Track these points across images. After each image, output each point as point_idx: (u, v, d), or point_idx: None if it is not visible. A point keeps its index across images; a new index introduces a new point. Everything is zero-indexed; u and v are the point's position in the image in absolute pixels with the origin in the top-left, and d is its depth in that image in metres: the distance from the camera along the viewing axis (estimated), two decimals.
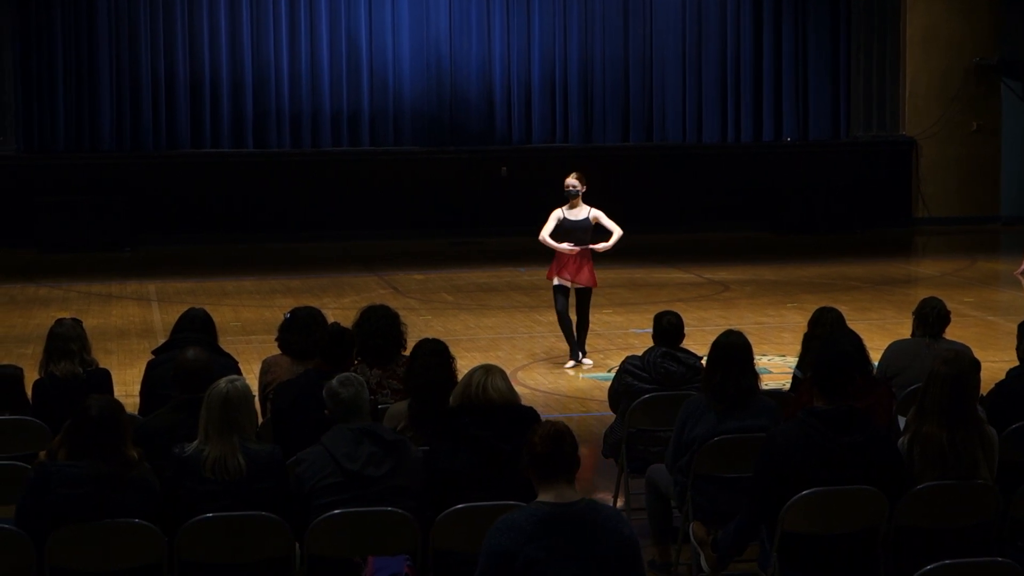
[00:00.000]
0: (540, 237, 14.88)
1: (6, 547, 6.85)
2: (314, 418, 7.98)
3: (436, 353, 8.36)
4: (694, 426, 8.48)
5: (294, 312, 9.73)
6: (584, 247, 14.66)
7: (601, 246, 14.77)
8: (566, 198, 14.80)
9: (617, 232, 14.86)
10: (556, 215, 14.82)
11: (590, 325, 15.01)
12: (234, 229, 25.62)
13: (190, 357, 8.13)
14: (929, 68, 27.32)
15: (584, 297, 14.76)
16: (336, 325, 9.09)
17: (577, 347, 14.92)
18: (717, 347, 8.62)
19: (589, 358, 15.04)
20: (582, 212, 14.79)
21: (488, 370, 7.58)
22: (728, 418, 8.46)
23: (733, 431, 8.39)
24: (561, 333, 14.95)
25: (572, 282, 14.64)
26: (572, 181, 14.86)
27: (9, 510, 7.34)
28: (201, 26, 26.29)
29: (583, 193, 14.83)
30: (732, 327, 9.25)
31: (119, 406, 7.09)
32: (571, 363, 14.90)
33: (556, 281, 14.68)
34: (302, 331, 9.43)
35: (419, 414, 8.08)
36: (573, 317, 14.80)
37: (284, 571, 6.93)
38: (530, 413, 7.53)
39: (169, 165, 26.03)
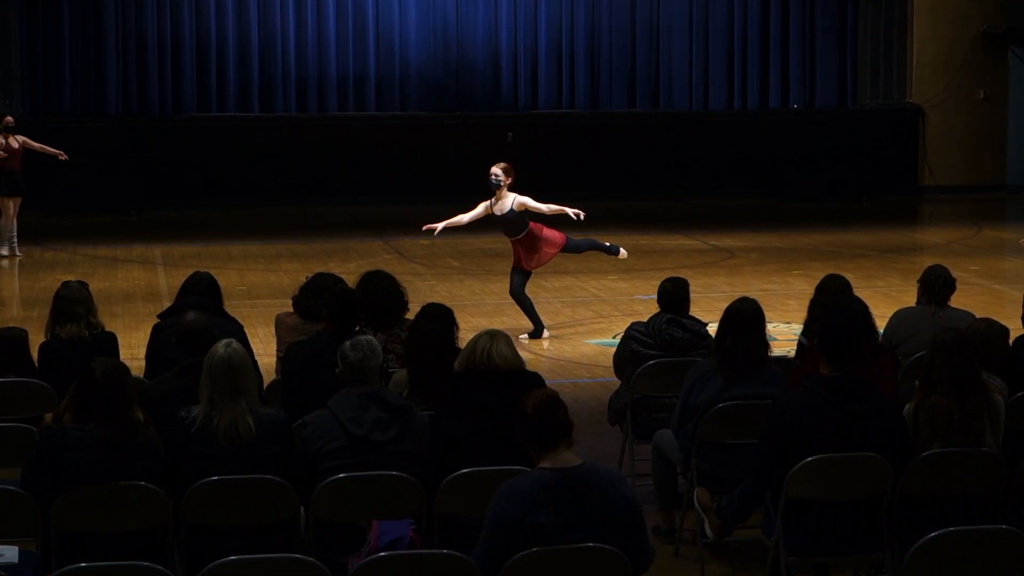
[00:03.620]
0: (459, 219, 14.73)
1: (13, 509, 6.88)
2: (325, 380, 8.00)
3: (435, 318, 8.34)
4: (700, 390, 8.49)
5: (317, 275, 9.78)
6: (526, 231, 14.39)
7: (572, 212, 14.65)
8: (490, 189, 14.46)
9: (550, 206, 14.61)
10: (484, 205, 14.60)
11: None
12: (240, 193, 25.64)
13: (194, 321, 8.16)
14: (936, 36, 27.28)
15: (520, 276, 14.66)
16: (343, 287, 9.10)
17: (541, 323, 14.76)
18: (729, 313, 8.63)
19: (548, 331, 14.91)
20: (507, 203, 14.42)
21: (493, 336, 7.58)
22: (736, 384, 8.47)
23: (740, 397, 8.40)
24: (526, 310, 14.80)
25: (533, 266, 14.56)
26: (496, 171, 14.45)
27: (15, 473, 7.37)
28: None
29: (508, 185, 14.41)
30: (737, 294, 9.25)
31: (124, 369, 7.10)
32: (526, 337, 14.60)
33: (523, 267, 14.57)
34: (316, 295, 9.45)
35: (416, 377, 8.09)
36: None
37: (289, 534, 6.95)
38: (535, 379, 7.53)
39: (175, 129, 26.05)
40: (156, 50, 26.25)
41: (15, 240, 19.99)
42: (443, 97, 26.92)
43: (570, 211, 14.69)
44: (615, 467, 9.18)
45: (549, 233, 14.53)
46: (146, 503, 6.82)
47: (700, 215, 24.71)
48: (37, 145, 20.16)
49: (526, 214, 14.43)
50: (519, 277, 14.54)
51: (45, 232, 22.27)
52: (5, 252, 19.77)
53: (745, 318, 8.57)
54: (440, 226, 14.84)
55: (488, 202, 14.60)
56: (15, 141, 19.72)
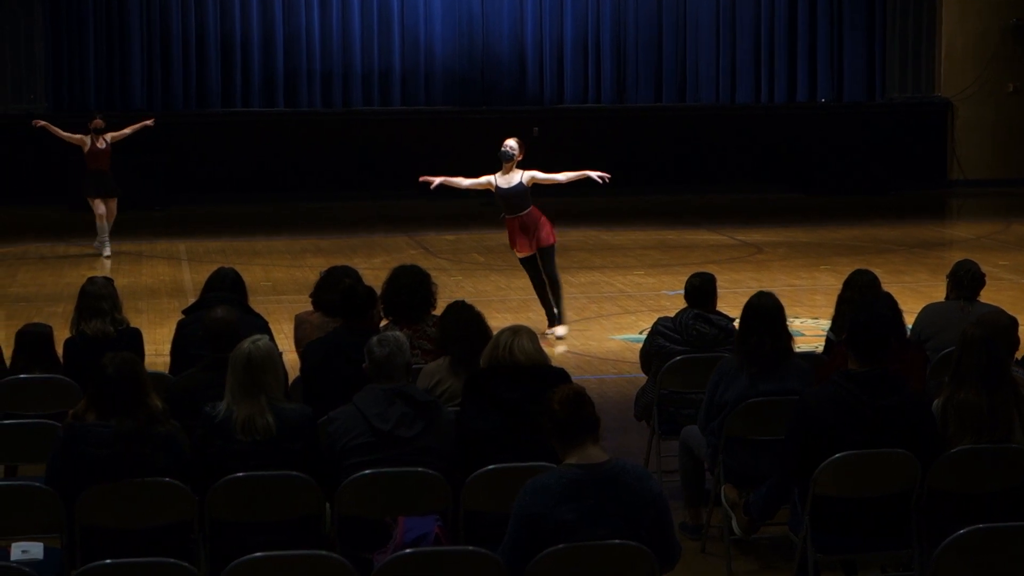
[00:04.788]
0: (459, 180, 14.63)
1: (38, 505, 6.91)
2: (343, 375, 8.02)
3: (468, 309, 8.39)
4: (727, 388, 8.49)
5: (330, 270, 9.77)
6: (529, 210, 14.24)
7: (596, 174, 14.52)
8: (500, 160, 14.30)
9: (567, 174, 14.61)
10: (489, 179, 14.42)
11: (562, 284, 14.65)
12: (265, 189, 25.69)
13: (217, 316, 8.18)
14: (965, 28, 27.23)
15: (547, 257, 14.36)
16: (347, 282, 9.08)
17: (553, 315, 14.52)
18: (749, 309, 8.63)
19: (565, 326, 14.60)
20: (515, 178, 14.29)
21: (516, 331, 7.58)
22: (761, 380, 8.46)
23: (767, 393, 8.39)
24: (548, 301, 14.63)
25: (532, 248, 14.27)
26: (511, 143, 14.34)
27: (40, 468, 7.39)
28: None
29: (519, 160, 14.30)
30: (764, 289, 9.24)
31: (135, 360, 7.13)
32: (547, 331, 14.37)
33: (518, 255, 14.41)
34: (334, 289, 9.45)
35: (458, 356, 8.15)
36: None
37: (315, 530, 6.97)
38: (560, 374, 7.53)
39: (200, 124, 26.10)
40: (181, 44, 26.32)
41: (107, 243, 19.95)
42: (468, 91, 26.94)
43: (593, 174, 14.56)
44: (642, 463, 9.17)
45: (547, 222, 14.36)
46: (170, 498, 6.84)
47: (727, 210, 24.69)
48: (127, 130, 20.15)
49: (529, 193, 14.31)
50: (532, 269, 14.37)
51: (69, 228, 22.33)
52: (107, 252, 19.78)
53: (765, 313, 8.57)
54: (438, 180, 14.73)
55: (494, 176, 14.41)
56: (102, 142, 19.76)
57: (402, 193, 25.69)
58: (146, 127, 20.41)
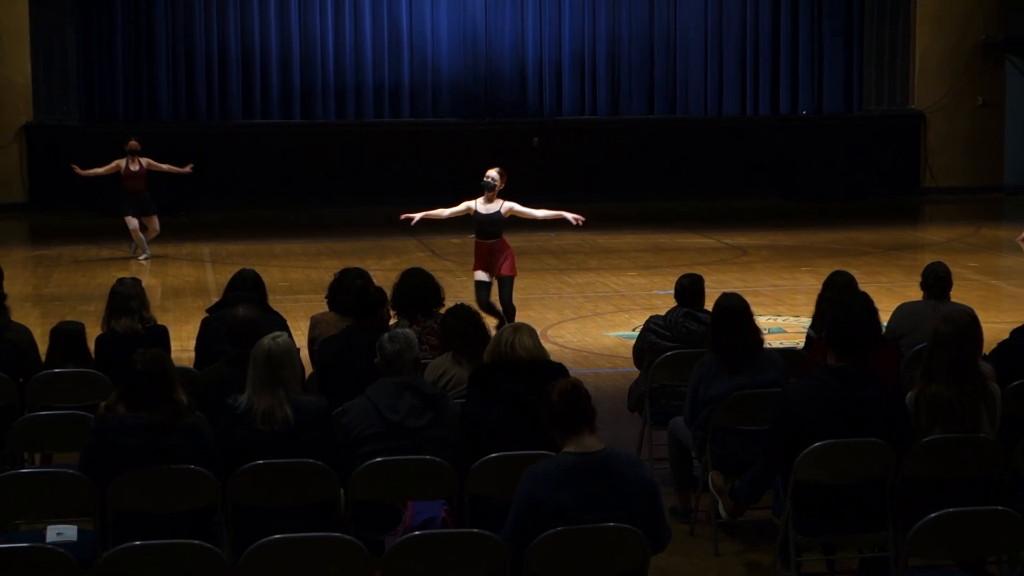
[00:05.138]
0: (439, 212, 14.44)
1: (73, 491, 6.93)
2: (355, 371, 8.04)
3: (467, 310, 8.42)
4: (708, 386, 8.52)
5: (343, 272, 9.77)
6: (499, 239, 13.91)
7: (571, 216, 14.14)
8: (482, 189, 13.97)
9: (545, 212, 14.20)
10: (468, 204, 14.10)
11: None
12: (283, 195, 25.70)
13: (240, 314, 8.19)
14: (938, 45, 27.22)
15: (506, 288, 13.86)
16: (358, 283, 9.10)
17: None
18: (718, 310, 8.68)
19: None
20: (495, 206, 13.95)
21: (516, 328, 7.61)
22: (738, 375, 8.50)
23: (744, 387, 8.42)
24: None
25: (490, 275, 13.90)
26: (492, 174, 14.00)
27: (74, 457, 7.41)
28: (252, 2, 26.35)
29: (500, 190, 13.98)
30: (750, 290, 9.26)
31: (163, 356, 7.14)
32: None
33: (476, 276, 13.97)
34: (347, 290, 9.46)
35: (457, 351, 8.18)
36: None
37: (330, 514, 6.97)
38: (559, 368, 7.55)
39: (222, 135, 26.11)
40: (204, 60, 26.34)
41: (146, 249, 19.96)
42: (473, 104, 26.94)
43: (569, 216, 14.23)
44: (634, 451, 9.19)
45: (512, 255, 13.98)
46: (195, 484, 6.85)
47: (714, 215, 24.69)
48: (164, 167, 20.10)
49: (505, 223, 13.99)
50: (483, 293, 13.86)
51: (101, 232, 22.35)
52: (146, 256, 19.80)
53: (733, 312, 8.62)
54: (418, 216, 14.61)
55: (474, 201, 14.10)
56: (136, 163, 19.77)
57: (411, 199, 25.66)
58: (181, 172, 20.30)
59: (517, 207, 14.04)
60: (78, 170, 20.03)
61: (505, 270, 13.84)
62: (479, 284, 13.86)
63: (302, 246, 21.44)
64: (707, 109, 27.64)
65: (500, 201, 14.02)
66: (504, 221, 14.00)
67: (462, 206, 14.18)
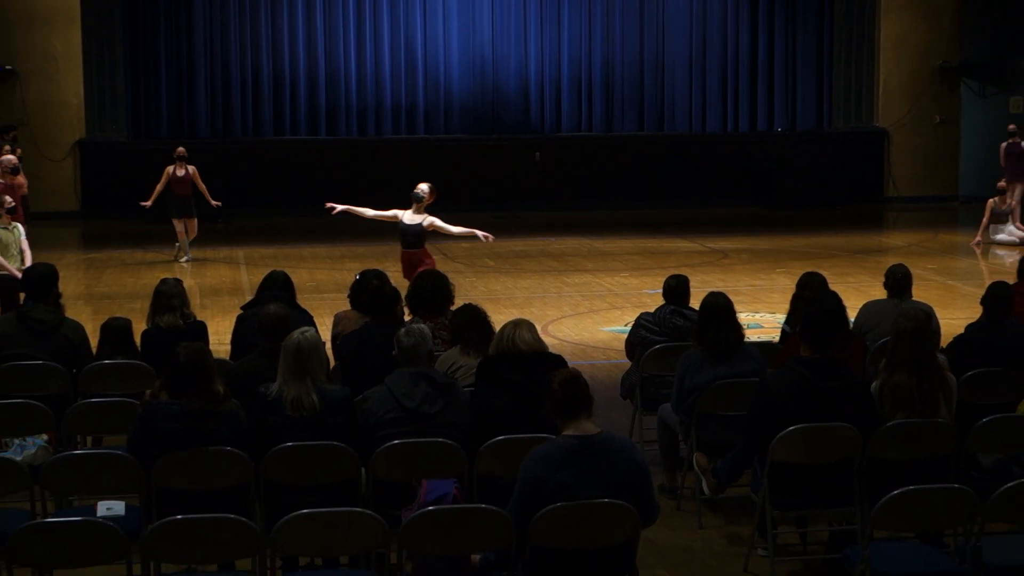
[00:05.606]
0: (364, 210, 14.29)
1: (120, 470, 6.94)
2: (374, 363, 8.04)
3: (472, 314, 8.42)
4: (693, 376, 8.54)
5: (363, 274, 9.76)
6: (420, 249, 13.78)
7: (481, 234, 13.96)
8: (411, 201, 13.89)
9: (459, 228, 13.97)
10: (396, 212, 13.96)
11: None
12: (310, 204, 25.50)
13: (271, 311, 8.19)
14: (900, 69, 27.21)
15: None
16: (375, 284, 9.08)
17: None
18: (705, 307, 8.69)
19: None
20: (419, 218, 13.87)
21: (517, 324, 7.61)
22: (720, 365, 8.52)
23: (726, 376, 8.43)
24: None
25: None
26: (423, 187, 13.91)
27: (122, 439, 7.41)
28: (282, 31, 26.35)
29: (429, 204, 13.88)
30: (731, 290, 9.26)
31: (204, 350, 7.15)
32: None
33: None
34: (366, 290, 9.45)
35: (466, 345, 8.17)
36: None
37: (352, 491, 6.97)
38: (558, 360, 7.54)
39: (255, 150, 26.12)
40: (239, 82, 26.34)
41: (187, 252, 19.97)
42: (481, 122, 26.93)
43: (480, 233, 14.01)
44: (627, 435, 9.19)
45: (432, 264, 13.71)
46: (231, 465, 6.85)
47: (698, 221, 24.67)
48: (201, 185, 20.07)
49: (427, 234, 13.85)
50: None
51: (146, 237, 22.36)
52: (186, 259, 19.82)
53: (719, 309, 8.63)
54: (340, 208, 14.49)
55: (402, 211, 13.95)
56: (181, 169, 19.79)
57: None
58: (211, 203, 20.20)
59: (437, 222, 13.84)
60: (146, 204, 19.90)
61: (408, 275, 13.55)
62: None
63: (327, 250, 21.44)
64: (692, 126, 27.63)
65: (425, 215, 13.88)
66: (425, 233, 13.84)
67: (390, 212, 14.11)
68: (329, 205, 14.52)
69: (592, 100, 27.34)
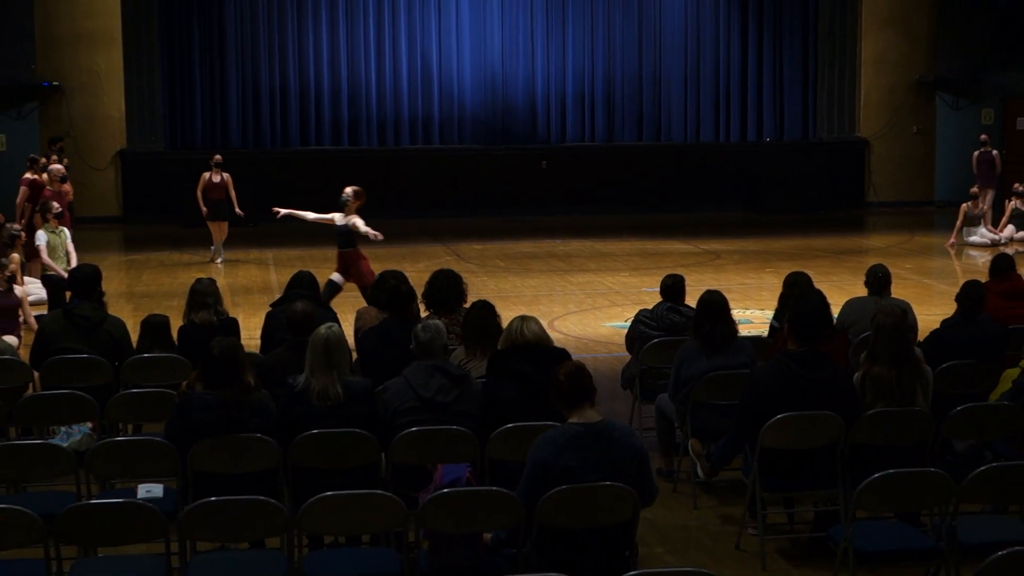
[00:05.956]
0: (305, 214, 14.32)
1: (158, 456, 6.95)
2: (392, 356, 8.04)
3: (483, 308, 8.39)
4: (689, 367, 8.53)
5: (382, 274, 9.75)
6: (351, 249, 13.69)
7: (372, 235, 13.81)
8: (340, 205, 13.85)
9: (366, 229, 13.74)
10: (332, 215, 13.91)
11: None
12: (333, 208, 25.64)
13: (298, 309, 8.19)
14: (879, 83, 27.18)
15: (364, 293, 13.18)
16: (392, 283, 9.07)
17: None
18: (702, 304, 8.68)
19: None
20: (346, 221, 13.86)
21: (524, 319, 7.62)
22: (715, 358, 8.50)
23: (719, 368, 8.42)
24: None
25: (344, 280, 13.70)
26: (348, 192, 13.89)
27: (160, 427, 7.42)
28: (308, 49, 26.37)
29: (358, 207, 13.84)
30: (723, 288, 9.25)
31: (236, 344, 7.15)
32: None
33: (331, 277, 13.72)
34: (384, 289, 9.43)
35: (472, 344, 8.13)
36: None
37: (373, 475, 6.97)
38: (563, 353, 7.54)
39: (284, 159, 26.13)
40: (268, 95, 26.35)
41: (221, 254, 19.99)
42: (491, 133, 26.92)
43: (372, 232, 13.83)
44: (627, 422, 9.19)
45: (365, 266, 13.73)
46: (261, 451, 6.86)
47: (693, 225, 24.65)
48: (232, 193, 20.07)
49: (356, 235, 13.80)
50: (329, 292, 13.38)
51: (182, 240, 22.39)
52: (220, 260, 19.85)
53: (715, 305, 8.63)
54: (283, 212, 14.53)
55: (337, 214, 13.91)
56: (216, 176, 19.82)
57: (440, 212, 25.74)
58: (237, 211, 20.16)
59: (358, 223, 13.79)
60: (204, 208, 19.86)
61: (358, 279, 13.58)
62: (329, 283, 13.55)
63: None
64: (687, 136, 27.60)
65: (351, 217, 13.85)
66: (352, 233, 13.80)
67: (327, 216, 14.15)
68: (275, 210, 14.55)
69: (595, 112, 27.32)
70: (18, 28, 24.28)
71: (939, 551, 6.43)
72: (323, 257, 20.52)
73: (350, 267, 13.75)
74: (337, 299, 13.72)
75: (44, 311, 13.79)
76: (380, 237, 13.89)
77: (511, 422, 7.04)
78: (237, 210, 20.10)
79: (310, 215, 14.30)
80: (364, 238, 13.78)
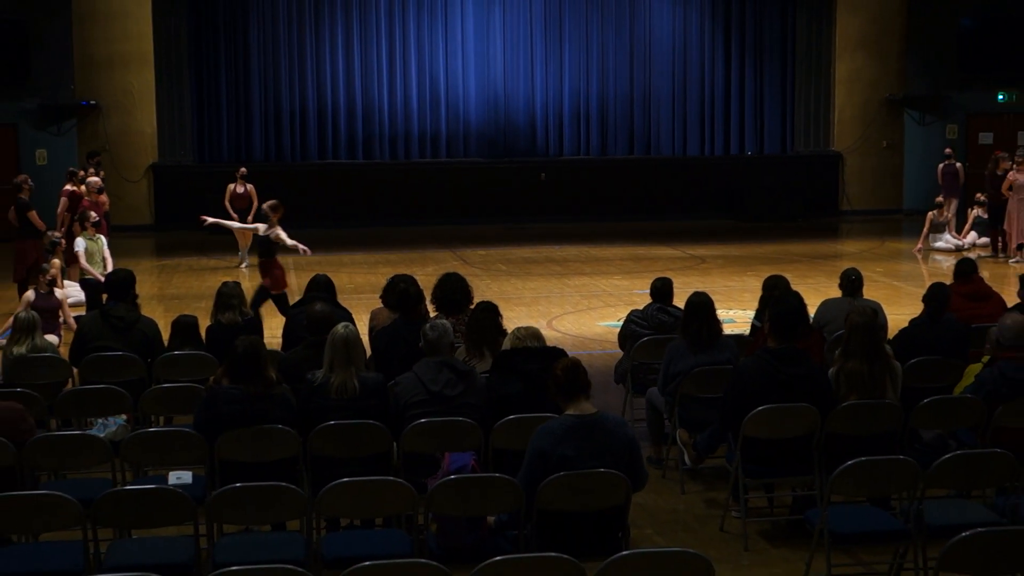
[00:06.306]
0: (231, 223, 14.42)
1: (188, 445, 6.95)
2: (403, 353, 8.04)
3: (487, 308, 8.38)
4: (677, 363, 8.53)
5: (393, 278, 9.76)
6: (269, 259, 13.68)
7: (302, 248, 14.12)
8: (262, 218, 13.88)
9: (290, 241, 14.03)
10: (256, 225, 14.03)
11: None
12: (350, 217, 25.72)
13: (317, 309, 8.20)
14: (852, 101, 27.17)
15: (281, 303, 13.41)
16: (401, 287, 9.06)
17: None
18: (689, 305, 8.69)
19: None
20: (267, 231, 14.06)
21: (527, 328, 7.68)
22: (701, 354, 8.51)
23: (706, 364, 8.42)
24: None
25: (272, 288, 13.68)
26: (265, 206, 14.02)
27: (189, 419, 7.42)
28: (325, 70, 26.37)
29: (278, 219, 13.97)
30: (708, 290, 9.25)
31: (259, 342, 7.16)
32: None
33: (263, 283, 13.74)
34: (395, 291, 9.42)
35: (473, 344, 8.12)
36: None
37: (386, 463, 6.98)
38: (559, 352, 7.54)
39: (303, 172, 26.12)
40: (288, 113, 26.35)
41: (245, 259, 20.00)
42: (494, 147, 26.92)
43: (300, 247, 14.00)
44: (619, 414, 9.19)
45: (279, 275, 13.69)
46: (282, 440, 6.86)
47: (681, 231, 24.64)
48: (257, 202, 19.92)
49: (275, 245, 13.88)
50: (258, 299, 13.28)
51: (209, 246, 22.38)
52: (245, 264, 19.86)
53: (701, 306, 8.64)
54: (211, 220, 14.57)
55: (261, 225, 13.94)
56: (241, 187, 19.81)
57: (447, 220, 25.74)
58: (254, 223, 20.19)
59: (281, 234, 13.95)
60: (234, 219, 19.84)
61: (271, 287, 13.56)
62: (260, 288, 13.64)
63: (363, 256, 21.45)
64: (674, 150, 27.58)
65: (273, 229, 13.97)
66: (270, 243, 13.91)
67: (251, 225, 14.33)
68: (202, 218, 14.56)
69: (589, 128, 27.31)
70: (58, 52, 24.34)
71: (907, 532, 6.43)
72: (338, 262, 20.55)
73: (266, 274, 13.78)
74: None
75: (82, 312, 13.80)
76: (308, 252, 14.00)
77: (512, 414, 7.04)
78: (250, 221, 20.06)
79: (236, 224, 14.38)
80: (286, 248, 13.90)
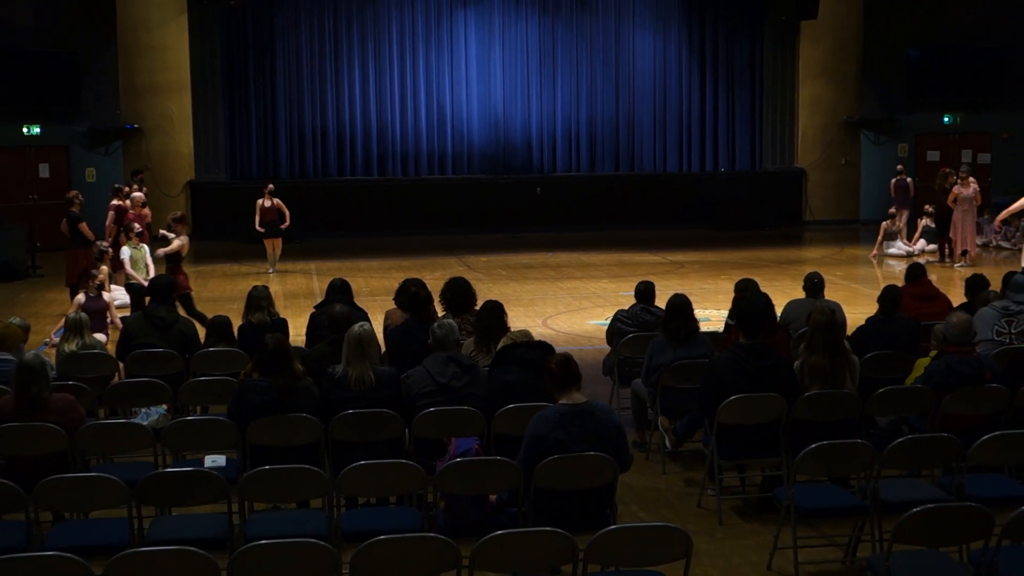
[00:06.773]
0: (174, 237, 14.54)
1: (221, 432, 6.94)
2: (414, 349, 8.03)
3: (495, 307, 8.37)
4: (659, 357, 8.53)
5: (404, 282, 9.74)
6: (174, 266, 13.95)
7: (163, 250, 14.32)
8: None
9: (167, 250, 14.30)
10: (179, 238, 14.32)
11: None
12: (366, 228, 25.72)
13: (337, 310, 8.19)
14: (814, 122, 27.19)
15: (186, 303, 13.62)
16: (412, 289, 9.05)
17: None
18: (669, 305, 8.68)
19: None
20: (175, 241, 14.28)
21: (521, 330, 7.68)
22: (680, 349, 8.50)
23: (684, 358, 8.42)
24: None
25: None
26: (170, 219, 14.40)
27: (224, 408, 7.42)
28: (343, 96, 26.35)
29: (179, 229, 14.26)
30: (687, 292, 9.25)
31: (285, 339, 7.16)
32: None
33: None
34: (406, 294, 9.41)
35: (481, 341, 8.10)
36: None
37: (399, 447, 6.98)
38: (551, 348, 7.52)
39: (324, 187, 26.11)
40: (311, 135, 26.35)
41: (273, 266, 19.99)
42: (494, 165, 26.92)
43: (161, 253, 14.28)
44: (607, 403, 9.19)
45: (181, 279, 13.92)
46: (306, 428, 6.86)
47: (661, 239, 24.62)
48: (286, 211, 20.01)
49: (177, 255, 14.19)
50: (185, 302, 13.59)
51: (240, 255, 22.38)
52: (271, 271, 19.84)
53: (680, 306, 8.64)
54: (163, 232, 14.69)
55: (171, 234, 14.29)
56: (268, 201, 19.83)
57: (452, 230, 25.74)
58: (260, 231, 20.15)
59: (173, 248, 14.26)
60: (260, 230, 19.80)
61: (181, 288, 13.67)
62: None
63: (379, 263, 21.43)
64: (655, 167, 27.58)
65: (182, 238, 14.28)
66: (178, 255, 14.29)
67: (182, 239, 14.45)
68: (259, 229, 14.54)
69: (580, 147, 27.31)
70: (106, 81, 24.37)
71: (865, 508, 6.43)
72: (355, 268, 20.55)
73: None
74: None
75: (127, 313, 13.79)
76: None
77: (512, 403, 7.03)
78: (258, 228, 20.04)
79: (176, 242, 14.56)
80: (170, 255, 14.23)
